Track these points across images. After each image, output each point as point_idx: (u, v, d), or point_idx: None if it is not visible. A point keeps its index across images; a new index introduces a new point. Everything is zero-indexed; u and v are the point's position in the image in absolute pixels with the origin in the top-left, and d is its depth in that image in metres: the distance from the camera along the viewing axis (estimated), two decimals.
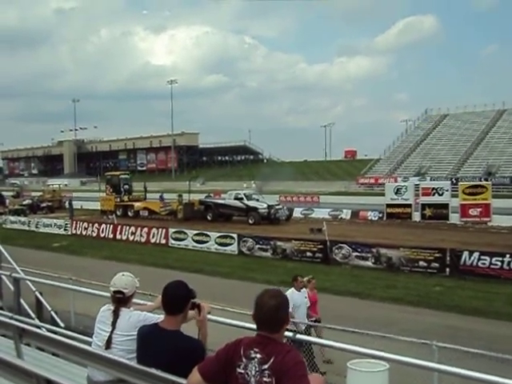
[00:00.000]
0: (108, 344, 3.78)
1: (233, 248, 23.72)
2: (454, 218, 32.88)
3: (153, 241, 27.25)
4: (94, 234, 30.25)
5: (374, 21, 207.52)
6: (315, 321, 10.21)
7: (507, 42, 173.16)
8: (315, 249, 21.32)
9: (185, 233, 26.28)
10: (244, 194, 36.17)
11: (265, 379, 2.79)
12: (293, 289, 9.84)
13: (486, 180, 50.22)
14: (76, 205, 43.76)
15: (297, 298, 9.60)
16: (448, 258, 18.28)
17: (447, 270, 18.19)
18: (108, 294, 4.11)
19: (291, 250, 21.88)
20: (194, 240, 25.48)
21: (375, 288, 16.84)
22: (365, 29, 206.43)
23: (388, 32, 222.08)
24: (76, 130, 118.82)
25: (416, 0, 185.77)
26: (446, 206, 33.24)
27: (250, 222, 33.93)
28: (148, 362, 3.38)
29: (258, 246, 22.99)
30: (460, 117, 79.58)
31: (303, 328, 9.23)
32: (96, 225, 30.90)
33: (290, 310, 8.95)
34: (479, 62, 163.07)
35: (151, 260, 22.23)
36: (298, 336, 3.50)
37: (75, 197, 55.10)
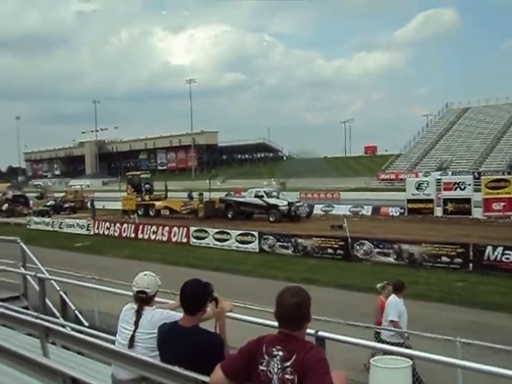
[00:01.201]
0: (131, 342, 3.82)
1: (254, 246, 23.74)
2: (477, 213, 32.44)
3: (174, 240, 27.40)
4: (116, 234, 30.52)
5: (392, 15, 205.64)
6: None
7: None
8: (336, 245, 21.24)
9: (206, 231, 26.39)
10: (264, 192, 36.18)
11: (287, 376, 2.80)
12: (395, 296, 9.16)
13: (509, 173, 49.53)
14: (98, 205, 44.18)
15: (401, 307, 9.07)
16: (471, 254, 18.08)
17: (470, 265, 17.99)
18: (131, 293, 4.15)
19: (312, 247, 21.83)
20: (214, 238, 25.57)
21: None
22: (383, 23, 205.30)
23: (407, 26, 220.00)
24: (97, 130, 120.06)
25: None
26: (468, 200, 32.82)
27: (271, 219, 33.90)
28: (168, 358, 3.42)
29: (278, 243, 22.98)
30: (481, 110, 78.48)
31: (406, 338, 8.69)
32: (118, 224, 31.18)
33: (397, 319, 8.77)
34: (500, 55, 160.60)
35: (173, 259, 22.36)
36: (321, 333, 3.50)
37: (97, 197, 55.63)
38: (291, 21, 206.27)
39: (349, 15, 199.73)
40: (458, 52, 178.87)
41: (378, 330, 9.01)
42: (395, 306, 8.93)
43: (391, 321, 8.79)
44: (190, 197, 39.22)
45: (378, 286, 10.13)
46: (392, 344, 8.03)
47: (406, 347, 8.05)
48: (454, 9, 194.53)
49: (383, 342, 8.31)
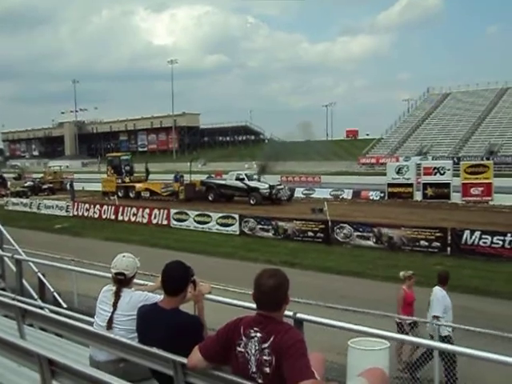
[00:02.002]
0: (109, 324, 3.81)
1: (234, 228, 23.77)
2: (456, 198, 32.84)
3: (154, 222, 27.32)
4: (96, 216, 30.31)
5: None
6: (414, 323, 9.01)
7: (510, 22, 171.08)
8: (317, 229, 21.36)
9: (186, 213, 26.33)
10: (245, 175, 36.15)
11: (265, 357, 2.81)
12: (441, 289, 8.77)
13: (488, 159, 50.13)
14: (77, 186, 43.81)
15: (447, 300, 8.66)
16: (449, 238, 18.32)
17: (448, 249, 18.24)
18: (110, 275, 4.12)
19: (293, 230, 21.93)
20: (195, 221, 25.54)
21: (376, 268, 16.90)
22: (368, 7, 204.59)
23: (390, 9, 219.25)
24: (76, 111, 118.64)
25: None
26: (447, 185, 33.19)
27: (252, 202, 33.93)
28: (147, 340, 3.42)
29: (259, 226, 23.04)
30: (462, 96, 79.07)
31: (451, 331, 8.32)
32: (97, 206, 30.97)
33: (442, 314, 8.37)
34: (482, 41, 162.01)
35: (153, 241, 22.31)
36: (299, 315, 3.51)
37: (76, 178, 55.13)
38: (275, 3, 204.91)
39: None
40: (442, 37, 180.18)
41: (400, 321, 8.73)
42: (442, 300, 8.57)
43: (435, 316, 8.40)
44: (177, 179, 38.98)
45: (401, 274, 9.65)
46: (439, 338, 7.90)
47: (449, 341, 7.86)
48: None
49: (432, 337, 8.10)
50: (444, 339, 7.98)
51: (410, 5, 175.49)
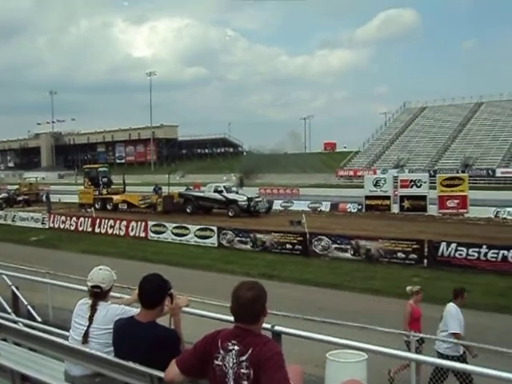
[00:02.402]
0: (85, 338, 3.75)
1: (212, 241, 23.68)
2: (432, 210, 33.20)
3: (132, 234, 27.08)
4: (72, 228, 29.95)
5: (354, 14, 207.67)
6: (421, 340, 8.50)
7: (485, 37, 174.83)
8: (295, 241, 21.39)
9: (164, 226, 26.17)
10: (224, 187, 36.11)
11: (243, 371, 2.79)
12: (454, 305, 8.50)
13: (463, 172, 50.83)
14: (54, 198, 43.22)
15: (461, 317, 8.33)
16: (426, 249, 18.49)
17: (425, 261, 18.41)
18: (86, 288, 4.07)
19: (271, 243, 21.92)
20: (173, 233, 25.40)
21: (354, 279, 16.97)
22: (346, 21, 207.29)
23: (368, 24, 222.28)
24: (53, 122, 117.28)
25: None
26: (424, 197, 33.56)
27: (230, 214, 33.88)
28: (124, 354, 3.37)
29: (237, 238, 22.98)
30: (438, 109, 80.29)
31: (462, 352, 8.01)
32: (74, 218, 30.62)
33: (459, 331, 8.08)
34: (458, 56, 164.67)
35: (130, 253, 22.13)
36: (277, 327, 3.51)
37: (53, 190, 54.43)
38: (255, 16, 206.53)
39: (312, 13, 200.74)
40: (418, 51, 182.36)
41: (408, 339, 8.15)
42: (456, 315, 8.29)
43: (453, 333, 8.10)
44: (156, 191, 38.73)
45: (408, 288, 9.42)
46: (448, 357, 7.67)
47: (464, 360, 7.65)
48: (415, 9, 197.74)
49: (442, 355, 7.85)
50: (459, 358, 7.76)
51: (388, 20, 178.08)
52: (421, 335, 8.33)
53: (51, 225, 31.03)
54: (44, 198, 41.96)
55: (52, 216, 32.01)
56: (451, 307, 8.43)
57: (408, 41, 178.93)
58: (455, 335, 8.10)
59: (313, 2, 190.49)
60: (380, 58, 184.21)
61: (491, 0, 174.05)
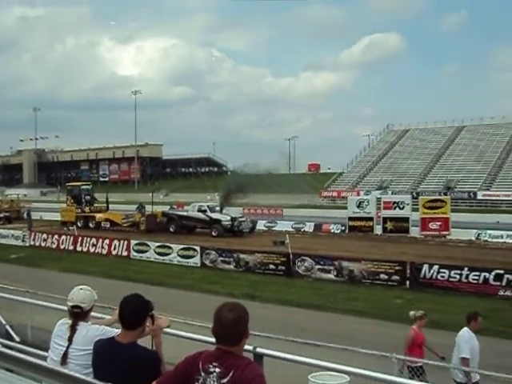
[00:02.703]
0: (64, 359, 3.69)
1: (195, 260, 23.56)
2: (415, 232, 33.43)
3: (114, 253, 26.84)
4: (54, 246, 29.62)
5: (339, 37, 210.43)
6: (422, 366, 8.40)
7: (467, 62, 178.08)
8: (278, 261, 21.36)
9: (147, 245, 25.99)
10: (207, 206, 36.06)
11: None
12: (468, 329, 8.29)
13: (445, 194, 51.35)
14: (35, 215, 42.77)
15: (475, 341, 8.15)
16: (408, 271, 18.59)
17: (407, 282, 18.49)
18: (66, 308, 4.01)
19: (254, 263, 21.87)
20: (156, 252, 25.22)
21: (337, 300, 16.96)
22: (331, 44, 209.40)
23: (354, 48, 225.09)
24: (36, 139, 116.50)
25: (382, 18, 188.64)
26: (406, 219, 33.79)
27: (214, 234, 33.81)
28: (103, 375, 3.32)
29: (220, 258, 22.90)
30: (420, 133, 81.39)
31: (478, 379, 7.70)
32: (56, 236, 30.30)
33: (468, 356, 7.90)
34: (440, 80, 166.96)
35: (112, 272, 21.90)
36: (259, 349, 3.48)
37: (35, 207, 53.79)
38: (241, 38, 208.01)
39: (297, 35, 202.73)
40: (402, 75, 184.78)
41: (414, 365, 8.14)
42: (469, 340, 8.11)
43: (463, 358, 7.96)
44: (140, 209, 38.52)
45: (412, 313, 9.28)
46: None
47: None
48: (399, 34, 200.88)
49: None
50: None
51: (372, 44, 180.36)
52: (423, 360, 8.24)
53: (32, 242, 30.66)
54: (25, 216, 41.51)
55: (33, 234, 31.64)
56: (464, 332, 8.27)
57: (392, 64, 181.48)
58: (464, 361, 7.93)
59: (298, 25, 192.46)
60: (364, 80, 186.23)
61: (473, 26, 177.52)
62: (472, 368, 7.79)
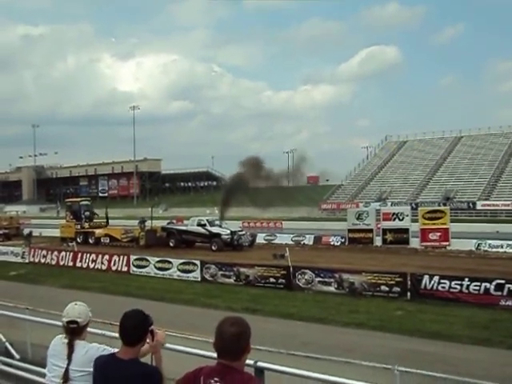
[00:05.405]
0: (65, 378, 3.62)
1: (195, 275, 23.47)
2: (415, 243, 33.37)
3: (114, 268, 26.74)
4: (54, 262, 29.48)
5: (338, 50, 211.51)
6: None
7: (464, 73, 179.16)
8: (278, 275, 21.28)
9: (147, 260, 25.90)
10: (207, 220, 36.02)
11: None
12: None
13: (445, 205, 51.38)
14: (35, 232, 42.71)
15: None
16: (409, 282, 18.51)
17: (408, 294, 18.40)
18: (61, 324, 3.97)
19: (254, 276, 21.79)
20: (156, 267, 25.13)
21: (338, 313, 16.87)
22: (329, 58, 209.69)
23: (351, 61, 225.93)
24: (35, 155, 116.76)
25: (379, 31, 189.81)
26: (406, 230, 33.76)
27: (213, 248, 33.73)
28: None
29: (220, 272, 22.82)
30: (418, 144, 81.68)
31: None
32: (55, 252, 30.18)
33: None
34: (437, 92, 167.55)
35: (112, 288, 21.79)
36: (260, 363, 3.47)
37: (34, 224, 53.85)
38: (240, 53, 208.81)
39: (295, 50, 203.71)
40: (400, 87, 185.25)
41: None
42: None
43: None
44: (142, 223, 38.40)
45: None
46: None
47: None
48: (397, 46, 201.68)
49: None
50: None
51: (369, 57, 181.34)
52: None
53: (31, 259, 30.55)
54: (24, 233, 41.45)
55: (32, 250, 31.55)
56: None
57: (389, 76, 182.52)
58: None
59: (296, 40, 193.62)
60: (362, 92, 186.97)
61: (470, 37, 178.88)
62: None
